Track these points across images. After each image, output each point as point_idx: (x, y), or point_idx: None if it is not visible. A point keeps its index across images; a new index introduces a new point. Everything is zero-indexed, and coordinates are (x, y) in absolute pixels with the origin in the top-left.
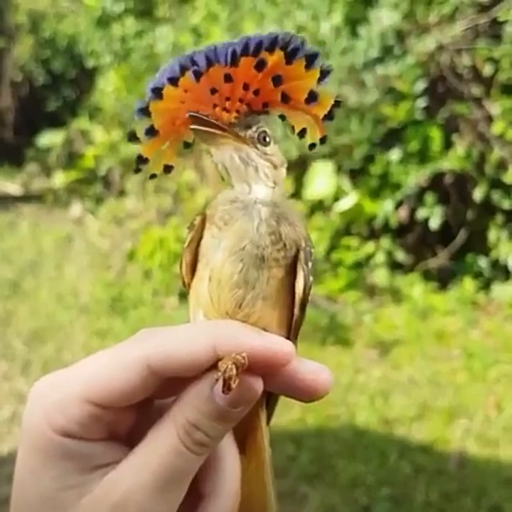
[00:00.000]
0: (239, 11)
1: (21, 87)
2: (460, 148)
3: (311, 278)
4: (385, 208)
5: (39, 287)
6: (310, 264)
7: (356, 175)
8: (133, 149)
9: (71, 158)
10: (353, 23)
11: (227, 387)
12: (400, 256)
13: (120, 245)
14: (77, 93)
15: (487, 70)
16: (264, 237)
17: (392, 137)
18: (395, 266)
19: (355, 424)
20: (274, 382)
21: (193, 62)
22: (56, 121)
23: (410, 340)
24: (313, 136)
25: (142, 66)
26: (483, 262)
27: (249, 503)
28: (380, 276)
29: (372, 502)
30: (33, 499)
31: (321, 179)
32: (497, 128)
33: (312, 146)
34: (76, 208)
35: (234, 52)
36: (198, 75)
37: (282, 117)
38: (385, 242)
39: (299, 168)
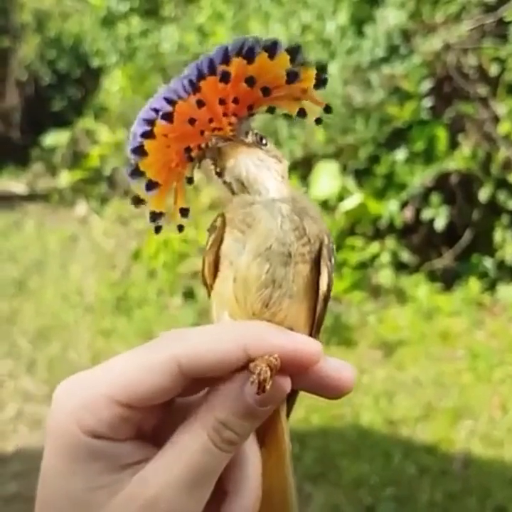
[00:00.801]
0: (244, 10)
1: (27, 87)
2: (466, 148)
3: (333, 274)
4: (390, 208)
5: (44, 286)
6: (333, 260)
7: (361, 175)
8: None
9: (76, 158)
10: (359, 23)
11: (262, 389)
12: (405, 256)
13: (125, 245)
14: (83, 93)
15: (493, 70)
16: (288, 234)
17: (398, 137)
18: (399, 266)
19: (359, 424)
20: (299, 381)
21: (156, 110)
22: (61, 121)
23: (415, 340)
24: (312, 110)
25: (147, 65)
26: (488, 263)
27: (271, 496)
28: (384, 276)
29: (376, 502)
30: (63, 501)
31: (326, 179)
32: (503, 128)
33: (318, 120)
34: (81, 208)
35: (190, 81)
36: (167, 116)
37: (271, 110)
38: (390, 242)
39: (303, 168)
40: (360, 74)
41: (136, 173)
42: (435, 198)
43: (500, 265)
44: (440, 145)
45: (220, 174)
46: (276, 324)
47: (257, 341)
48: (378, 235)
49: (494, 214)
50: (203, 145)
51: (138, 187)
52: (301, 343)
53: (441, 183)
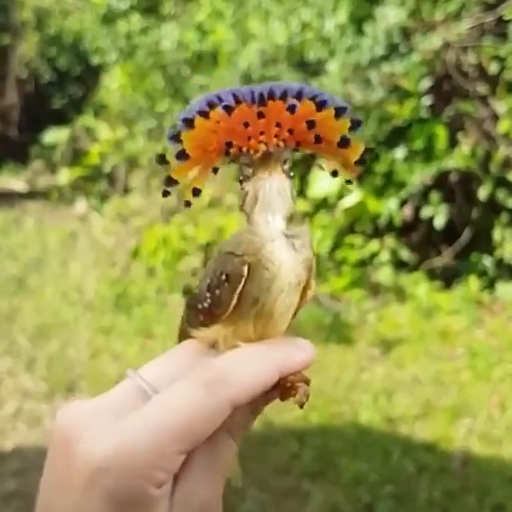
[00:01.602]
0: (244, 8)
1: (27, 84)
2: (465, 146)
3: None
4: (389, 207)
5: (44, 284)
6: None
7: (360, 173)
8: (138, 147)
9: (76, 156)
10: (359, 21)
11: (303, 404)
12: (405, 254)
13: (124, 242)
14: (83, 90)
15: (493, 68)
16: (299, 266)
17: (397, 135)
18: (399, 264)
19: (358, 422)
20: None
21: (220, 100)
22: (61, 119)
23: (414, 339)
24: (346, 175)
25: (147, 63)
26: (487, 261)
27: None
28: (384, 274)
29: (375, 500)
30: None
31: (325, 177)
32: (503, 126)
33: (349, 181)
34: (81, 205)
35: (261, 95)
36: (228, 109)
37: (312, 156)
38: (390, 240)
39: (303, 166)
40: (359, 72)
41: (176, 139)
42: (434, 196)
43: (500, 263)
44: (439, 143)
45: (242, 181)
46: (280, 334)
47: (287, 363)
48: (378, 233)
49: (493, 212)
50: (244, 149)
51: (170, 151)
52: (311, 352)
53: (440, 181)
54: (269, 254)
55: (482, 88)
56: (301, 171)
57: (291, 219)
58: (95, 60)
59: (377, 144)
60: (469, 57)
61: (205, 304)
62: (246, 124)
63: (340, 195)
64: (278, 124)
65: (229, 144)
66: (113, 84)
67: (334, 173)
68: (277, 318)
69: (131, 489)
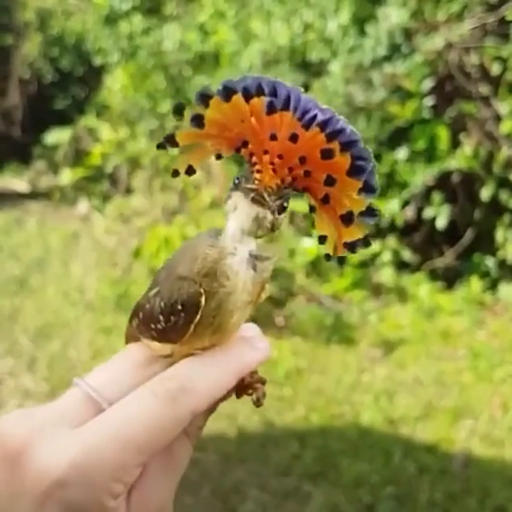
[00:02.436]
0: (246, 9)
1: (29, 85)
2: (467, 147)
3: None
4: (391, 207)
5: (45, 284)
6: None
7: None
8: (139, 148)
9: (78, 156)
10: (361, 21)
11: (261, 405)
12: (406, 255)
13: (126, 243)
14: (85, 91)
15: (495, 69)
16: (256, 287)
17: (399, 136)
18: (401, 265)
19: (359, 423)
20: None
21: (272, 92)
22: (64, 119)
23: (416, 339)
24: (330, 248)
25: (149, 64)
26: (490, 262)
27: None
28: (385, 275)
29: (376, 501)
30: None
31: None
32: (505, 127)
33: (327, 256)
34: (83, 206)
35: (314, 118)
36: (271, 109)
37: (311, 208)
38: (392, 241)
39: None
40: (361, 73)
41: (205, 101)
42: (436, 196)
43: (502, 264)
44: (441, 144)
45: (236, 184)
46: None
47: (244, 366)
48: (380, 233)
49: (496, 213)
50: (254, 158)
51: (187, 115)
52: (266, 349)
53: (442, 182)
54: (226, 267)
55: (484, 89)
56: None
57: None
58: (97, 60)
59: (379, 144)
60: (471, 58)
61: (159, 326)
62: (273, 137)
63: None
64: (302, 159)
65: (245, 143)
66: (115, 85)
67: (321, 239)
68: (231, 330)
69: (89, 502)
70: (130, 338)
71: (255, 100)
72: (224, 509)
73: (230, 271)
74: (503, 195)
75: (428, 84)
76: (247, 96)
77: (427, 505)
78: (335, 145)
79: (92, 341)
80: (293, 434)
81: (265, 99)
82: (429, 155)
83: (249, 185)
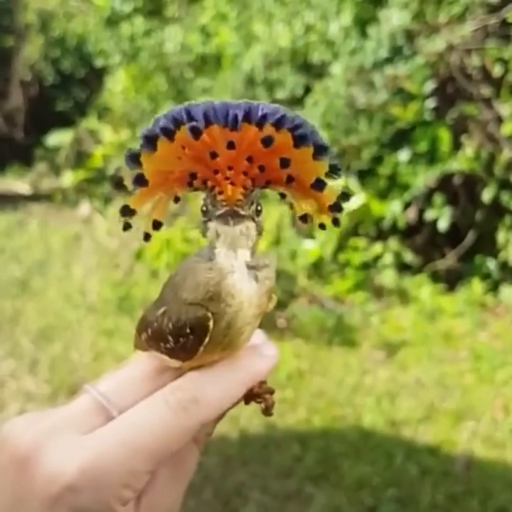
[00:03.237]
0: (248, 10)
1: (31, 87)
2: (469, 149)
3: None
4: (393, 209)
5: (47, 286)
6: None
7: (364, 175)
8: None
9: (80, 158)
10: (363, 23)
11: (270, 412)
12: (408, 257)
13: (128, 245)
14: (87, 93)
15: (497, 70)
16: (263, 297)
17: (401, 138)
18: (402, 267)
19: (361, 425)
20: None
21: (190, 117)
22: (65, 121)
23: (418, 341)
24: (319, 220)
25: (151, 65)
26: (491, 264)
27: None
28: (387, 277)
29: (377, 503)
30: None
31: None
32: (506, 129)
33: (322, 225)
34: (85, 208)
35: (235, 117)
36: (196, 132)
37: (282, 195)
38: (393, 243)
39: None
40: (363, 75)
41: (136, 160)
42: (438, 198)
43: (504, 266)
44: (443, 146)
45: (206, 213)
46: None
47: (254, 376)
48: (381, 235)
49: (497, 215)
50: (209, 183)
51: (129, 173)
52: (274, 357)
53: (444, 183)
54: (230, 287)
55: (486, 90)
56: None
57: (254, 251)
58: (99, 62)
59: (380, 146)
60: (473, 60)
61: (168, 345)
62: (213, 155)
63: None
64: (249, 158)
65: (193, 175)
66: (117, 87)
67: (304, 219)
68: (241, 346)
69: (98, 508)
70: (139, 346)
71: (179, 133)
72: (225, 511)
73: (233, 289)
74: (505, 197)
75: (430, 86)
76: (168, 134)
77: (429, 507)
78: (269, 129)
79: (94, 343)
80: (295, 436)
81: (186, 127)
82: (431, 157)
83: (219, 211)
